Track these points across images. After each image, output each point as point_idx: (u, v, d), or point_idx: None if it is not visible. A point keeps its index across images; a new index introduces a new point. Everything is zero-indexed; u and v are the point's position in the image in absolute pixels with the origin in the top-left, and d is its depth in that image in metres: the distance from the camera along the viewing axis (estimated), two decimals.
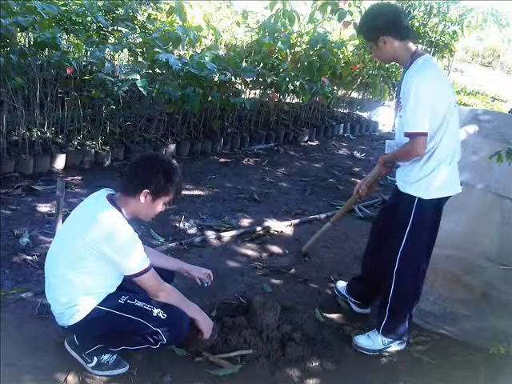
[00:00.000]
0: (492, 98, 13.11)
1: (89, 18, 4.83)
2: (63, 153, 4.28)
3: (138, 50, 4.87)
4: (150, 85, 4.31)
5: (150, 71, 4.65)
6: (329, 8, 5.80)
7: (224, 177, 4.78)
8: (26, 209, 3.47)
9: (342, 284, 2.92)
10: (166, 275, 2.21)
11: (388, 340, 2.43)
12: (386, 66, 6.99)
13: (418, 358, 2.46)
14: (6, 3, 3.96)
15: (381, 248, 2.51)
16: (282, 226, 3.83)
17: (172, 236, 3.42)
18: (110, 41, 4.93)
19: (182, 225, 3.61)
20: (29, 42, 4.60)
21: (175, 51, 5.34)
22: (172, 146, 5.06)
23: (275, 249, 3.48)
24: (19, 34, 4.59)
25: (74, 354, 2.09)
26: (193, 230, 3.56)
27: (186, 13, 5.31)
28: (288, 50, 5.65)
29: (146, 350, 2.07)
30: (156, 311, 1.98)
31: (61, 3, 5.03)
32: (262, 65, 5.69)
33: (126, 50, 5.10)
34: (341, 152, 6.46)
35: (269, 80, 5.41)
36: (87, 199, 2.05)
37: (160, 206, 2.03)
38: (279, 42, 5.61)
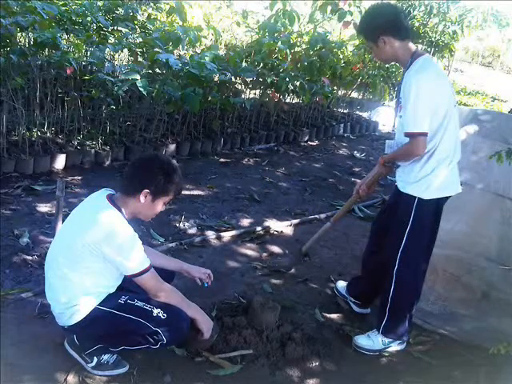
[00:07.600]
0: (492, 97, 13.12)
1: (89, 18, 4.84)
2: (63, 153, 4.28)
3: (138, 49, 4.87)
4: (150, 85, 4.30)
5: (150, 71, 4.65)
6: (329, 8, 5.80)
7: (224, 177, 4.78)
8: (26, 209, 3.47)
9: (341, 284, 2.92)
10: (166, 275, 2.21)
11: (388, 340, 2.43)
12: (386, 66, 6.99)
13: (418, 358, 2.46)
14: (5, 3, 3.96)
15: (381, 248, 2.51)
16: (282, 226, 3.83)
17: (172, 236, 3.42)
18: (110, 41, 4.93)
19: (182, 225, 3.61)
20: (29, 42, 4.60)
21: (175, 51, 5.34)
22: (172, 146, 5.06)
23: (275, 249, 3.48)
24: (19, 34, 4.59)
25: (73, 353, 2.09)
26: (193, 230, 3.56)
27: (185, 13, 5.31)
28: (288, 50, 5.65)
29: (145, 350, 2.08)
30: (156, 311, 1.98)
31: (61, 3, 5.03)
32: (262, 65, 5.70)
33: (125, 50, 5.11)
34: (341, 152, 6.47)
35: (269, 80, 5.41)
36: (87, 199, 2.06)
37: (160, 206, 2.03)
38: (279, 42, 5.61)
